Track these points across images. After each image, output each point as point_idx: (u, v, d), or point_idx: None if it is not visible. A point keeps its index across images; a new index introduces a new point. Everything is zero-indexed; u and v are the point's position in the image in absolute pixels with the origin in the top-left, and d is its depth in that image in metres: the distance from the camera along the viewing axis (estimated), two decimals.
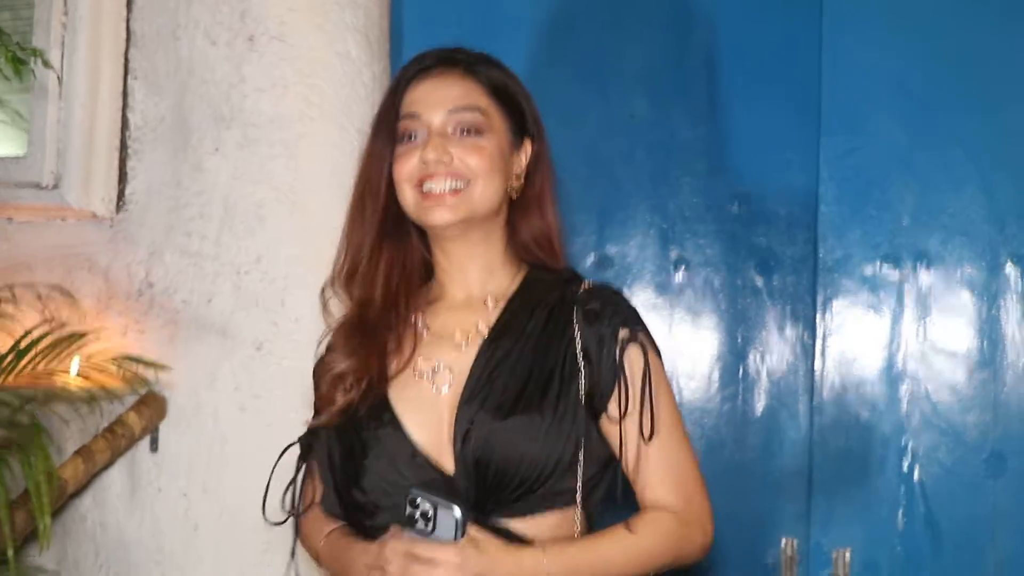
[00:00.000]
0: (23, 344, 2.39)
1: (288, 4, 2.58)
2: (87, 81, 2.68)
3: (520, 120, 1.76)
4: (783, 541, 2.67)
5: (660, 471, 1.67)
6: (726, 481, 2.70)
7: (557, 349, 1.68)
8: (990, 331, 2.63)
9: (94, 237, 2.72)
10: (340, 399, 1.71)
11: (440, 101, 1.70)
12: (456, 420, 1.64)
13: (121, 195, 2.72)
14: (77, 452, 2.45)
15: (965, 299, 2.64)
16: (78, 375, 2.39)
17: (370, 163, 1.74)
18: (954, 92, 2.63)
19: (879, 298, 2.66)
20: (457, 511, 1.54)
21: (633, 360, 1.67)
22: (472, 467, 1.62)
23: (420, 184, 1.69)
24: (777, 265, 2.72)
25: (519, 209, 1.78)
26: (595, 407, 1.67)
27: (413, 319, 1.76)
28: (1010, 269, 2.63)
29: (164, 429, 2.63)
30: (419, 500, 1.56)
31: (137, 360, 2.47)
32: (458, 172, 1.68)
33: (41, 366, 2.40)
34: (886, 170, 2.64)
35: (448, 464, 1.65)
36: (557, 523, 1.66)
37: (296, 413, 2.53)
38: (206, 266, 2.61)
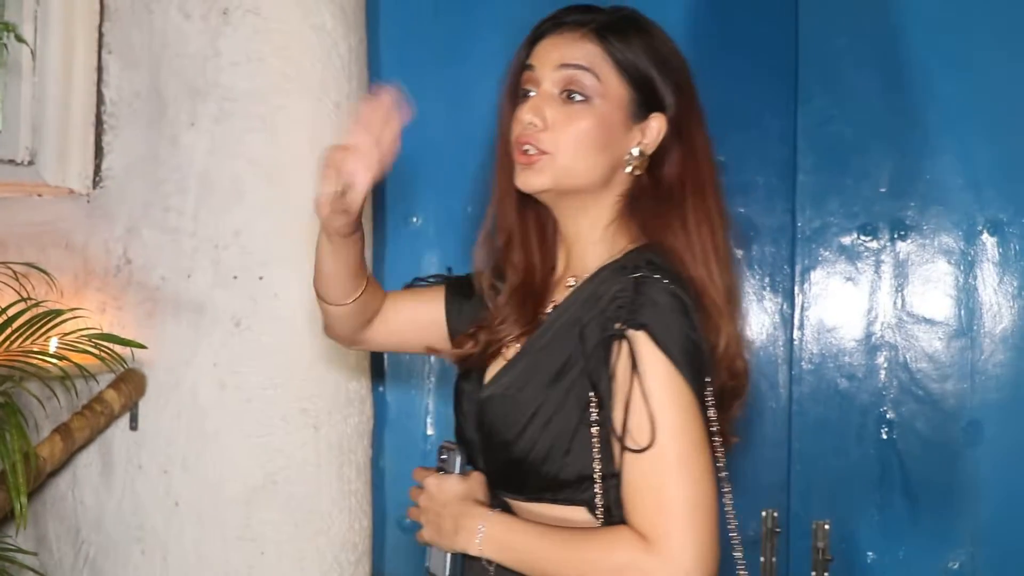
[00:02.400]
0: None
1: None
2: (61, 56, 2.65)
3: (649, 92, 1.61)
4: (763, 513, 2.67)
5: (636, 490, 1.44)
6: None
7: (579, 336, 1.54)
8: (967, 299, 2.65)
9: (71, 213, 2.70)
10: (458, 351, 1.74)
11: (552, 57, 1.59)
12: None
13: (97, 171, 2.70)
14: (55, 430, 2.43)
15: (942, 267, 2.65)
16: (55, 354, 2.37)
17: (500, 123, 1.66)
18: (931, 57, 2.63)
19: (857, 268, 2.67)
20: (457, 454, 1.67)
21: (621, 357, 1.47)
22: (475, 433, 1.66)
23: (519, 144, 1.60)
24: (756, 235, 2.72)
25: (646, 188, 1.62)
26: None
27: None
28: (986, 237, 2.64)
29: (143, 406, 2.61)
30: (442, 447, 1.70)
31: (114, 339, 2.45)
32: (543, 140, 1.57)
33: (16, 345, 2.38)
34: (864, 138, 2.65)
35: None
36: (566, 519, 1.54)
37: (275, 389, 2.53)
38: (184, 242, 2.59)
